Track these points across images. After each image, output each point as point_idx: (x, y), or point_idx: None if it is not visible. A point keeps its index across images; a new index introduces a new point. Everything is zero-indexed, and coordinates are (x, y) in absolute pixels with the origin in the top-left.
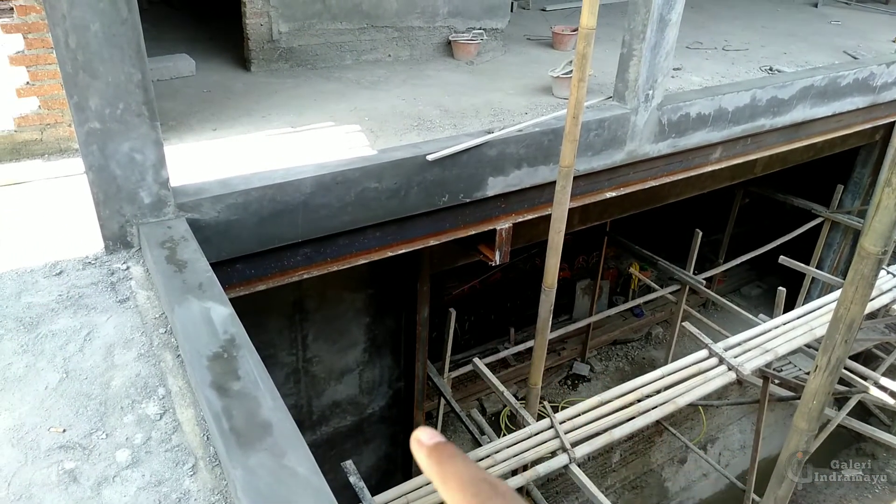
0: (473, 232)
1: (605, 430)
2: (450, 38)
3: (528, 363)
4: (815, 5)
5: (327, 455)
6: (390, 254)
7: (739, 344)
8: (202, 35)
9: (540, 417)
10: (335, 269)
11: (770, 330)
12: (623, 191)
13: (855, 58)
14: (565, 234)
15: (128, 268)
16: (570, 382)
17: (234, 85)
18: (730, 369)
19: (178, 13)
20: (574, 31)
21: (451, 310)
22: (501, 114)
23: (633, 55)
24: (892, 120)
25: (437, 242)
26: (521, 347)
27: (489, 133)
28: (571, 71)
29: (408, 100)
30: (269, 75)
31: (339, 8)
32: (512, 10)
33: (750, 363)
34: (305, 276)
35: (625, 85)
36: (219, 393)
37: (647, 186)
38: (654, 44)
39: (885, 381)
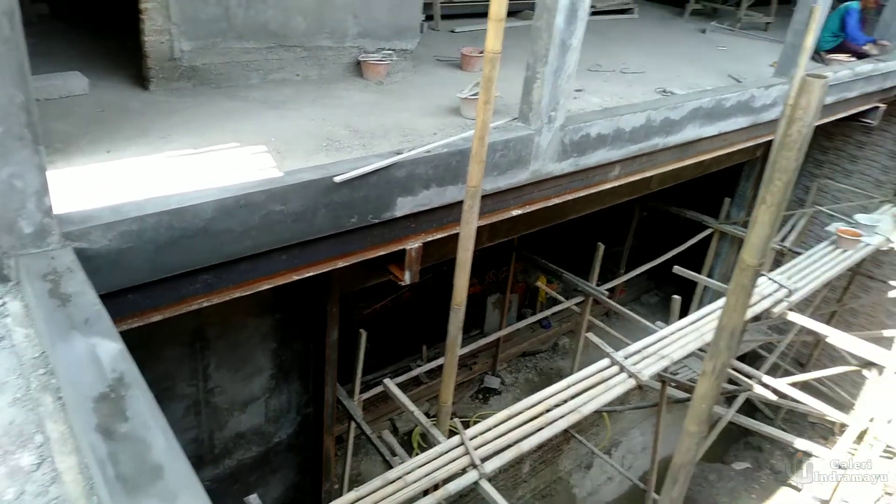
0: (383, 252)
1: (515, 443)
2: (359, 59)
3: (439, 381)
4: (704, 31)
5: (231, 489)
6: (296, 277)
7: (638, 351)
8: (98, 52)
9: (451, 434)
10: (238, 295)
11: (666, 336)
12: (529, 209)
13: (739, 81)
14: (475, 251)
15: (4, 304)
16: (481, 396)
17: (130, 104)
18: (630, 376)
19: (72, 28)
20: (481, 53)
21: (362, 331)
22: (411, 134)
23: (537, 78)
24: (771, 138)
25: (346, 264)
26: (432, 365)
27: (398, 154)
28: (479, 92)
29: (316, 120)
30: (169, 94)
31: (245, 27)
32: (422, 31)
33: (648, 369)
34: (206, 304)
35: (529, 107)
36: (104, 437)
37: (551, 204)
38: (557, 68)
39: (766, 379)
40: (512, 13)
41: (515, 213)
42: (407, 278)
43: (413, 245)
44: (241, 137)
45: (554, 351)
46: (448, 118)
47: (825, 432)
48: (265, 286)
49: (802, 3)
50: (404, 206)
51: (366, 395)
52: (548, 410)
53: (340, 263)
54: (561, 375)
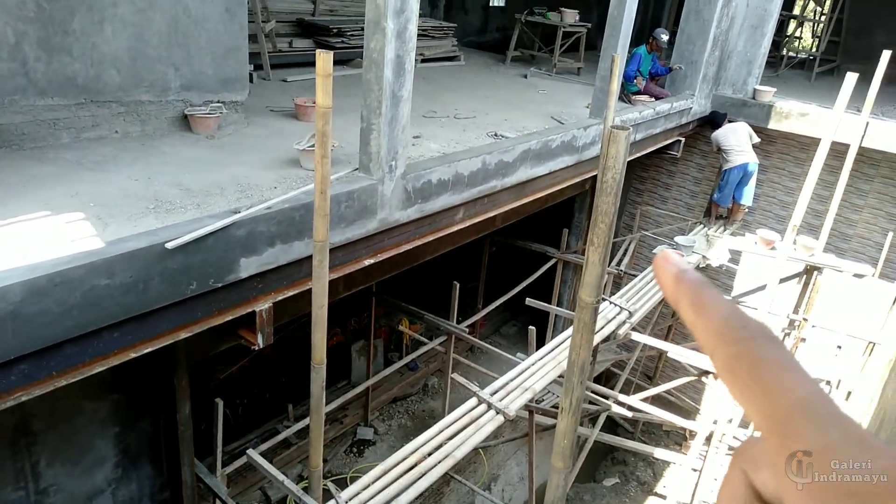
0: (231, 317)
1: (393, 499)
2: (186, 112)
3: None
4: (526, 76)
5: None
6: (133, 355)
7: (503, 386)
8: None
9: (326, 497)
10: (64, 382)
11: (527, 369)
12: (381, 257)
13: (561, 122)
14: (333, 302)
15: None
16: (355, 450)
17: None
18: (498, 413)
19: None
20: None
21: (218, 400)
22: (249, 189)
23: (373, 129)
24: (594, 174)
25: (190, 334)
26: (301, 425)
27: (235, 213)
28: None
29: (141, 180)
30: None
31: (47, 82)
32: (252, 81)
33: (514, 403)
34: (25, 398)
35: (368, 157)
36: None
37: (402, 250)
38: (391, 118)
39: (622, 397)
40: (343, 62)
41: (368, 262)
42: (260, 341)
43: (263, 306)
44: (52, 204)
45: (424, 392)
46: (287, 170)
47: (679, 439)
48: (97, 368)
49: (606, 53)
50: (249, 266)
51: (229, 469)
52: (423, 458)
53: (183, 334)
54: (434, 416)
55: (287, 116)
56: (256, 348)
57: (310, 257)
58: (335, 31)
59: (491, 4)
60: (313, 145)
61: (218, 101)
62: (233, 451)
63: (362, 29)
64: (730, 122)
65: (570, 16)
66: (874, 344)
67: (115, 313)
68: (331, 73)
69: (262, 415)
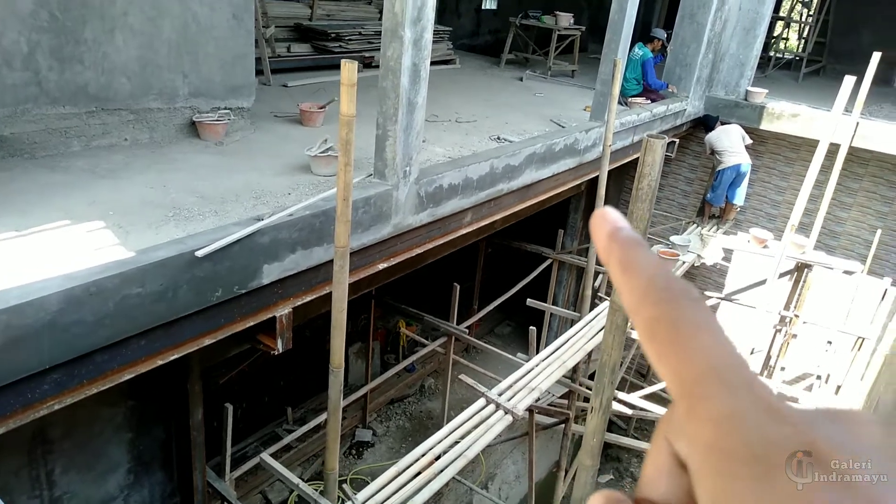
0: (252, 323)
1: (408, 499)
2: (194, 119)
3: (310, 442)
4: (521, 79)
5: None
6: (160, 362)
7: (509, 387)
8: None
9: (340, 501)
10: (94, 391)
11: (532, 369)
12: (393, 261)
13: (561, 125)
14: None
15: None
16: (354, 452)
17: None
18: (506, 413)
19: None
20: (321, 108)
21: (228, 405)
22: (263, 196)
23: (389, 136)
24: (596, 175)
25: (213, 341)
26: (305, 428)
27: (260, 220)
28: (329, 149)
29: (157, 187)
30: None
31: (59, 91)
32: None
33: (521, 403)
34: (57, 407)
35: (384, 163)
36: None
37: (414, 254)
38: (406, 125)
39: (622, 396)
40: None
41: (381, 266)
42: (280, 346)
43: (283, 311)
44: (71, 213)
45: (421, 393)
46: (299, 176)
47: None
48: (126, 376)
49: (607, 57)
50: (271, 272)
51: (237, 473)
52: (436, 459)
53: (207, 341)
54: (431, 417)
55: (292, 122)
56: (276, 353)
57: (328, 263)
58: (333, 35)
59: (483, 7)
60: (324, 151)
61: (225, 108)
62: (233, 455)
63: (360, 33)
64: (722, 124)
65: (565, 19)
66: (863, 339)
67: (144, 322)
68: (355, 82)
69: (261, 418)
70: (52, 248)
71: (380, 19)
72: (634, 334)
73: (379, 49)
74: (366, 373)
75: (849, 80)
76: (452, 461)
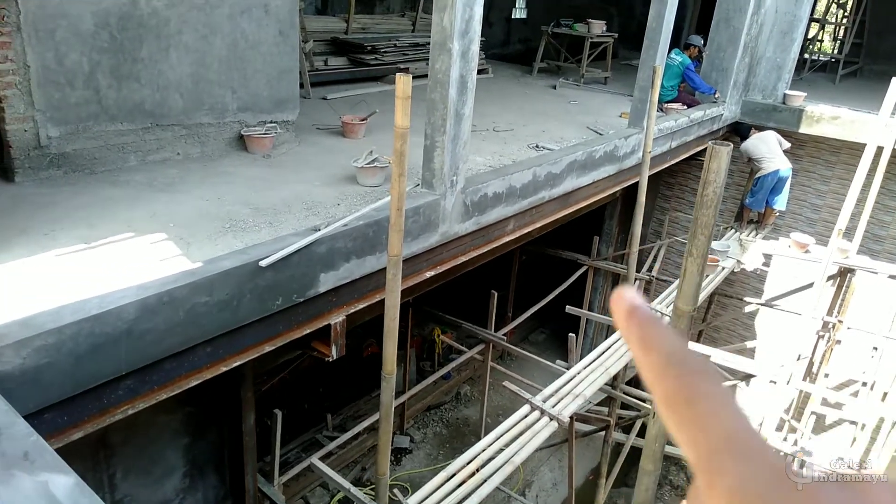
0: (308, 331)
1: None
2: (242, 133)
3: (350, 448)
4: (555, 87)
5: None
6: (224, 369)
7: (553, 393)
8: None
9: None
10: (164, 396)
11: (575, 375)
12: (440, 269)
13: (599, 133)
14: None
15: None
16: (393, 458)
17: None
18: (552, 419)
19: None
20: (363, 120)
21: (277, 411)
22: (314, 206)
23: (437, 146)
24: (635, 181)
25: (273, 347)
26: (348, 435)
27: (317, 230)
28: (374, 160)
29: (211, 200)
30: (39, 185)
31: (118, 108)
32: None
33: (566, 410)
34: (131, 412)
35: (431, 173)
36: None
37: (459, 262)
38: (454, 136)
39: None
40: (376, 78)
41: (429, 274)
42: (334, 353)
43: (338, 319)
44: (135, 226)
45: (457, 400)
46: (347, 187)
47: None
48: (193, 382)
49: (645, 63)
50: (327, 281)
51: (285, 478)
52: (483, 465)
53: (267, 348)
54: (468, 424)
55: (334, 134)
56: (330, 359)
57: (379, 271)
58: (369, 48)
59: (513, 17)
60: (370, 162)
61: (271, 121)
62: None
63: (395, 45)
64: (757, 130)
65: (598, 27)
66: None
67: (210, 329)
68: (409, 95)
69: (301, 424)
70: (120, 260)
71: (413, 31)
72: None
73: (414, 60)
74: (403, 380)
75: None
76: (500, 467)
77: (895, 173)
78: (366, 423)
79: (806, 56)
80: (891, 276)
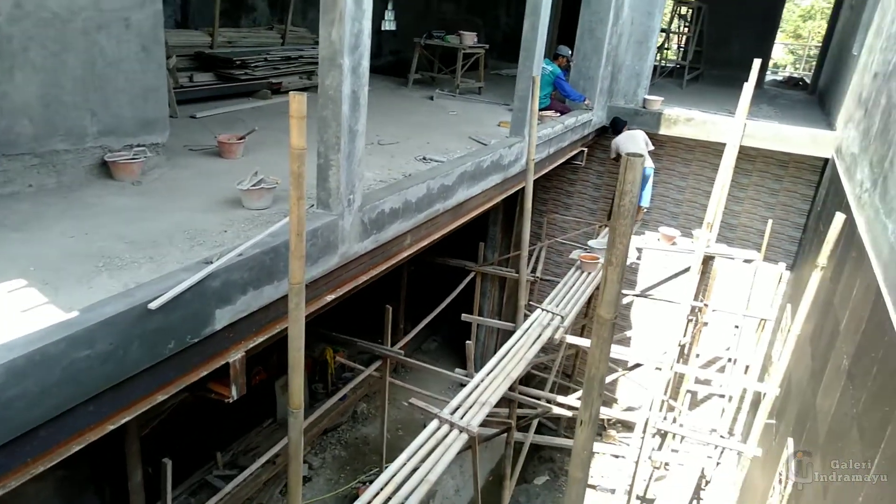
0: (205, 372)
1: None
2: (106, 159)
3: (245, 483)
4: (432, 98)
5: None
6: (111, 427)
7: (460, 404)
8: None
9: None
10: (41, 469)
11: (479, 384)
12: (340, 291)
13: (483, 143)
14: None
15: None
16: None
17: None
18: (462, 431)
19: None
20: (240, 139)
21: (166, 460)
22: (199, 235)
23: (331, 165)
24: (519, 187)
25: (166, 396)
26: (245, 474)
27: (210, 263)
28: (260, 181)
29: (77, 236)
30: None
31: None
32: None
33: (474, 420)
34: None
35: (327, 193)
36: None
37: (359, 282)
38: (349, 153)
39: (560, 399)
40: (249, 93)
41: (329, 298)
42: (234, 393)
43: (236, 356)
44: None
45: (354, 420)
46: (232, 212)
47: (599, 429)
48: (75, 448)
49: (522, 74)
50: (223, 317)
51: None
52: (397, 488)
53: (160, 397)
54: (368, 443)
55: (209, 155)
56: (230, 400)
57: (278, 301)
58: (238, 62)
59: (383, 28)
60: (256, 184)
61: (139, 145)
62: None
63: (265, 60)
64: (629, 129)
65: (469, 38)
66: (765, 321)
67: (93, 386)
68: (304, 115)
69: (187, 466)
70: None
71: (283, 44)
72: (569, 339)
73: (286, 74)
74: None
75: (748, 87)
76: (415, 487)
77: (742, 167)
78: (263, 460)
79: (656, 63)
80: (745, 261)
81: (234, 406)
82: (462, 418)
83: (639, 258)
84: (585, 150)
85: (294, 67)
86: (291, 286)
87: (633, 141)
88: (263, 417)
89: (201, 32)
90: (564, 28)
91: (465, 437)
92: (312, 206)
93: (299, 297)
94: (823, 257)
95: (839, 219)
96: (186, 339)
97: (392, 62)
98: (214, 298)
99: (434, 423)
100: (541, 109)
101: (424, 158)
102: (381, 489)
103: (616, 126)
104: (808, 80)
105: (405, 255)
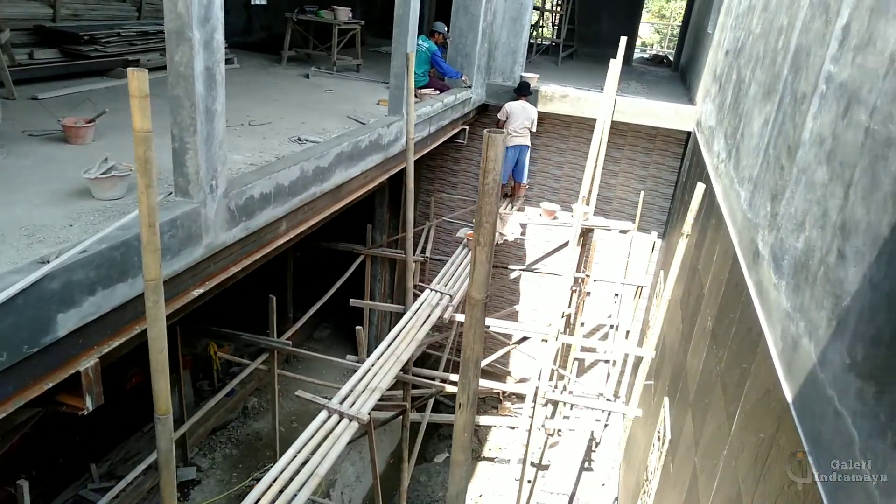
0: (52, 384)
1: None
2: None
3: (126, 494)
4: (307, 76)
5: None
6: None
7: (350, 392)
8: None
9: None
10: None
11: (369, 369)
12: (209, 284)
13: (361, 122)
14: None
15: None
16: (180, 493)
17: None
18: (351, 420)
19: None
20: (89, 122)
21: (22, 482)
22: (38, 232)
23: (188, 149)
24: (402, 167)
25: (4, 415)
26: (122, 485)
27: (46, 262)
28: (111, 168)
29: None
30: None
31: None
32: None
33: (364, 407)
34: None
35: (186, 179)
36: None
37: (230, 273)
38: (207, 135)
39: (453, 377)
40: (101, 72)
41: (196, 292)
42: (89, 404)
43: (88, 363)
44: None
45: (245, 416)
46: (78, 203)
47: (495, 402)
48: None
49: (397, 51)
50: (67, 322)
51: None
52: (286, 485)
53: None
54: (260, 438)
55: (53, 140)
56: (85, 412)
57: (134, 299)
58: (86, 38)
59: (253, 3)
60: (107, 172)
61: None
62: None
63: (119, 35)
64: (527, 100)
65: (344, 13)
66: (641, 288)
67: None
68: (147, 93)
69: (58, 483)
70: None
71: (139, 18)
72: (458, 317)
73: (144, 51)
74: (180, 406)
75: (615, 64)
76: (305, 481)
77: (612, 143)
78: (142, 467)
79: (532, 41)
80: (621, 231)
81: (108, 414)
82: (352, 406)
83: (523, 234)
84: (467, 128)
85: (153, 43)
86: (147, 283)
87: (521, 112)
88: (144, 421)
89: (41, 3)
90: (441, 4)
91: (355, 425)
92: (171, 193)
93: (157, 294)
94: (688, 225)
95: (700, 188)
96: (23, 350)
97: (264, 38)
98: (55, 301)
99: (323, 415)
100: (419, 87)
101: (299, 139)
102: (269, 486)
103: (521, 90)
104: (671, 58)
105: (281, 241)
